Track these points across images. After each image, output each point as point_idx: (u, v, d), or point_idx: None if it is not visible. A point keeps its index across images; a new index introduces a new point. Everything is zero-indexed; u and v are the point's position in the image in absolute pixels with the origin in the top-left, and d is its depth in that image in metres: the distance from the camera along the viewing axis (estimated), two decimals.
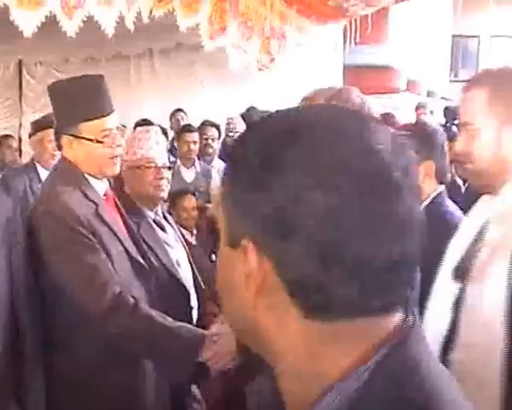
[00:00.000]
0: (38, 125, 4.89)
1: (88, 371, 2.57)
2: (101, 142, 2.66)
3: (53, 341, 2.57)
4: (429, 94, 10.09)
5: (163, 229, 3.36)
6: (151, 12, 3.75)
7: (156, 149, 3.31)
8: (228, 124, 6.88)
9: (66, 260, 2.52)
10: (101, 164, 2.69)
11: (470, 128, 1.78)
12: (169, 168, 3.43)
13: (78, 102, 2.65)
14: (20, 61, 9.52)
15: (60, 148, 2.76)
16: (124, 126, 5.41)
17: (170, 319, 2.57)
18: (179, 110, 7.93)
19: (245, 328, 0.97)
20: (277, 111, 0.96)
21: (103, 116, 2.69)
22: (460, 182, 5.59)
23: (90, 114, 2.66)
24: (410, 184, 0.86)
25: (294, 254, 0.83)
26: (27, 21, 3.13)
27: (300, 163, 0.84)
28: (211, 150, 6.49)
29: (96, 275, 2.50)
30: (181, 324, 2.58)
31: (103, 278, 2.52)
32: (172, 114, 7.90)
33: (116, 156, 2.74)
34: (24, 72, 9.61)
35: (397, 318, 0.89)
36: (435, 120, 8.93)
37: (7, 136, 7.36)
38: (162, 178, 3.31)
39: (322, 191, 0.81)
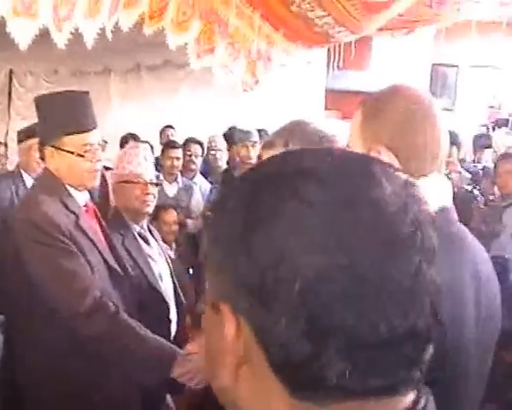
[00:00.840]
0: (25, 134, 4.87)
1: (52, 360, 2.58)
2: (82, 155, 2.70)
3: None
4: None
5: (147, 242, 3.38)
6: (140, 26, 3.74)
7: (144, 165, 3.35)
8: (209, 142, 6.90)
9: (46, 266, 2.53)
10: (82, 177, 2.73)
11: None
12: (156, 185, 3.45)
13: (63, 115, 2.70)
14: (10, 70, 9.49)
15: (43, 158, 2.79)
16: (105, 142, 5.40)
17: (147, 331, 2.58)
18: (169, 126, 7.93)
19: (226, 398, 0.83)
20: (268, 160, 0.86)
21: (86, 131, 2.73)
22: None
23: (74, 129, 2.70)
24: (421, 242, 0.75)
25: (278, 326, 0.71)
26: (23, 33, 3.11)
27: (288, 222, 0.71)
28: (194, 166, 6.49)
29: (76, 279, 2.52)
30: (157, 337, 2.59)
31: (84, 282, 2.54)
32: (162, 130, 7.90)
33: (96, 170, 2.78)
34: (14, 80, 9.57)
35: (405, 402, 0.76)
36: None
37: None
38: (148, 194, 3.34)
39: (310, 254, 0.69)
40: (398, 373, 0.73)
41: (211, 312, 0.81)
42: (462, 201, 5.67)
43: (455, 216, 1.65)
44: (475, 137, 8.78)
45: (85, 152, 2.70)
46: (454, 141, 7.08)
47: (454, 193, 5.03)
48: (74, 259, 2.55)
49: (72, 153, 2.68)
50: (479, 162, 8.07)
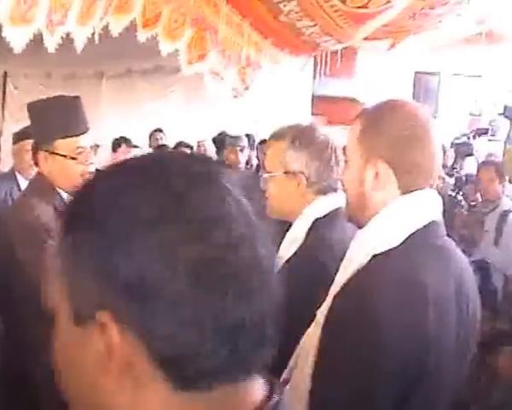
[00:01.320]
0: (19, 136, 4.85)
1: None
2: (74, 158, 2.71)
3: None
4: None
5: None
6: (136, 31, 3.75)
7: None
8: (198, 146, 6.91)
9: (39, 269, 2.50)
10: (74, 178, 2.72)
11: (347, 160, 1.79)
12: None
13: (55, 120, 2.71)
14: (5, 73, 9.43)
15: (36, 162, 2.80)
16: (97, 146, 5.40)
17: None
18: (158, 130, 7.86)
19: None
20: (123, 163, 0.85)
21: (78, 135, 2.74)
22: None
23: (66, 132, 2.72)
24: (257, 232, 0.78)
25: (162, 320, 0.73)
26: (18, 38, 3.12)
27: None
28: None
29: None
30: None
31: None
32: (152, 134, 7.82)
33: (88, 172, 2.77)
34: (9, 83, 9.51)
35: (257, 387, 0.81)
36: None
37: None
38: None
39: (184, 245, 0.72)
40: (251, 358, 0.78)
41: (73, 328, 0.78)
42: (446, 206, 5.73)
43: (443, 230, 1.69)
44: (457, 146, 8.84)
45: (78, 155, 2.72)
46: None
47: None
48: None
49: (65, 156, 2.69)
50: (461, 169, 8.12)
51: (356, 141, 1.70)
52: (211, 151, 6.79)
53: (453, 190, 6.70)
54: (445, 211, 5.02)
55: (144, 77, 8.53)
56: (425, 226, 1.62)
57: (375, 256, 1.60)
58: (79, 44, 3.40)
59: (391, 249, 1.59)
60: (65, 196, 2.74)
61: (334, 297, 1.62)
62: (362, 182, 1.68)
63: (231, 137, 6.33)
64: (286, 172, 2.28)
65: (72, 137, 2.72)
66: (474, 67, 13.17)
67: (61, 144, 2.70)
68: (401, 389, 1.49)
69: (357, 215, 1.73)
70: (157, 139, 7.67)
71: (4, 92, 9.56)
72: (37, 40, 3.41)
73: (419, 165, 1.63)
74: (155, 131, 7.86)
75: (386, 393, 1.49)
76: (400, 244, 1.59)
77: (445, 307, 1.54)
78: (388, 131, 1.64)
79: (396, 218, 1.63)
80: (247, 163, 6.67)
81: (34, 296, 2.45)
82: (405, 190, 1.64)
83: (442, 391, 1.57)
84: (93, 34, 3.67)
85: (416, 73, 13.65)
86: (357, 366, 1.49)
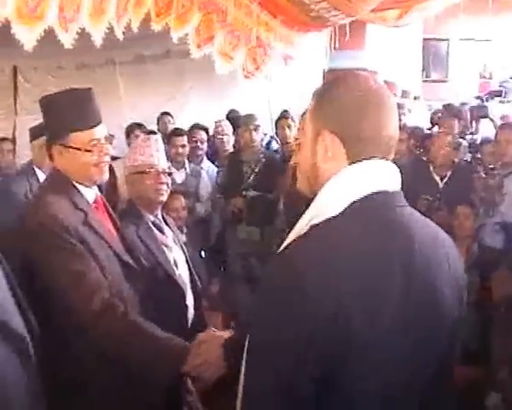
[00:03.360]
0: (39, 131, 4.81)
1: (83, 372, 2.55)
2: (89, 151, 2.68)
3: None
4: (404, 94, 10.15)
5: (162, 231, 3.37)
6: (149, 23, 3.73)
7: (156, 155, 3.35)
8: (216, 127, 6.88)
9: (54, 268, 2.50)
10: (90, 171, 2.72)
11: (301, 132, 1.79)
12: (169, 174, 3.44)
13: (68, 113, 2.68)
14: (14, 67, 9.43)
15: (51, 157, 2.77)
16: (112, 136, 5.38)
17: (157, 329, 2.56)
18: (166, 113, 7.85)
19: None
20: None
21: (92, 127, 2.71)
22: (437, 178, 5.60)
23: (80, 126, 2.69)
24: None
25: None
26: (28, 36, 3.09)
27: None
28: (200, 152, 6.50)
29: (84, 281, 2.50)
30: (167, 335, 2.56)
31: (91, 284, 2.51)
32: (159, 118, 7.81)
33: (104, 162, 2.76)
34: (19, 76, 9.51)
35: None
36: (414, 118, 8.97)
37: (3, 139, 7.21)
38: (162, 183, 3.35)
39: None
40: None
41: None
42: (462, 172, 5.68)
43: (396, 201, 1.63)
44: (472, 109, 8.76)
45: (92, 147, 2.69)
46: (456, 114, 7.07)
47: (454, 164, 5.00)
48: (82, 260, 2.53)
49: (80, 149, 2.67)
50: (476, 132, 8.06)
51: (309, 114, 1.71)
52: (228, 131, 6.75)
53: (470, 153, 6.65)
54: (462, 177, 4.99)
55: (156, 62, 8.49)
56: (369, 196, 1.57)
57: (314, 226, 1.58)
58: (98, 39, 3.38)
59: (329, 219, 1.56)
60: (82, 189, 2.72)
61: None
62: (314, 155, 1.67)
63: (244, 116, 6.30)
64: None
65: (85, 129, 2.69)
66: (482, 31, 13.08)
67: (75, 138, 2.67)
68: (322, 355, 1.44)
69: (311, 189, 1.71)
70: (165, 123, 7.66)
71: (16, 87, 9.57)
72: (46, 32, 3.39)
73: (365, 134, 1.60)
74: (163, 114, 7.84)
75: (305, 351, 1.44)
76: (340, 214, 1.56)
77: (377, 277, 1.49)
78: (336, 101, 1.63)
79: (337, 187, 1.61)
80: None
81: (52, 294, 2.46)
82: (353, 159, 1.62)
83: (379, 363, 1.49)
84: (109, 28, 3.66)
85: (425, 39, 13.55)
86: (279, 318, 1.47)
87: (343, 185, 1.60)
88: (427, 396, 1.64)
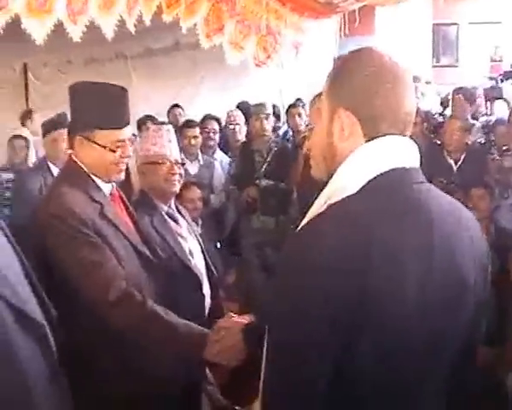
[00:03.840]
0: (52, 125, 4.83)
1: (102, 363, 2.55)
2: (113, 151, 2.64)
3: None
4: (414, 78, 10.14)
5: (176, 221, 3.36)
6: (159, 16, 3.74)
7: (168, 146, 3.33)
8: (228, 117, 6.86)
9: (70, 260, 2.48)
10: (109, 169, 2.68)
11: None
12: (182, 164, 3.43)
13: (99, 108, 2.63)
14: (24, 64, 9.44)
15: (71, 146, 2.72)
16: (134, 136, 5.37)
17: (175, 317, 2.54)
18: (176, 106, 7.81)
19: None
20: None
21: (119, 128, 2.67)
22: (451, 161, 5.57)
23: (108, 124, 2.64)
24: None
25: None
26: (38, 29, 3.10)
27: None
28: (212, 143, 6.47)
29: (100, 271, 2.48)
30: (186, 322, 2.54)
31: (108, 274, 2.50)
32: (170, 110, 7.77)
33: (123, 163, 2.72)
34: (29, 74, 9.53)
35: None
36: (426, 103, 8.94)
37: (17, 136, 7.24)
38: (175, 174, 3.32)
39: None
40: None
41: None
42: (476, 154, 5.66)
43: (414, 177, 1.60)
44: (486, 90, 8.72)
45: (117, 148, 2.64)
46: (468, 98, 7.02)
47: (468, 147, 4.98)
48: (98, 250, 2.51)
49: (105, 147, 2.62)
50: (491, 114, 8.02)
51: (325, 92, 1.68)
52: (240, 121, 6.73)
53: (484, 134, 6.61)
54: (476, 158, 4.97)
55: (166, 54, 8.48)
56: (386, 173, 1.55)
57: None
58: (108, 32, 3.38)
59: (346, 197, 1.53)
60: (98, 182, 2.70)
61: None
62: (330, 135, 1.65)
63: (255, 105, 6.28)
64: None
65: (114, 130, 2.64)
66: (491, 13, 13.01)
67: (101, 135, 2.62)
68: (342, 329, 1.42)
69: (328, 170, 1.68)
70: (176, 115, 7.63)
71: (26, 85, 9.59)
72: (54, 28, 3.39)
73: (383, 111, 1.58)
74: (173, 107, 7.81)
75: (321, 323, 1.42)
76: (357, 192, 1.54)
77: (395, 252, 1.46)
78: (350, 78, 1.60)
79: (354, 166, 1.58)
80: (274, 131, 6.61)
81: (68, 285, 2.45)
82: (369, 137, 1.59)
83: (398, 342, 1.46)
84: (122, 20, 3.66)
85: (435, 24, 13.48)
86: (296, 292, 1.46)
87: (360, 163, 1.58)
88: (451, 379, 1.62)
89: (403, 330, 1.46)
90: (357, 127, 1.59)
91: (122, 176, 2.78)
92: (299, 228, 1.58)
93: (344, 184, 1.58)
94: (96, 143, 2.63)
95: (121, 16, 3.65)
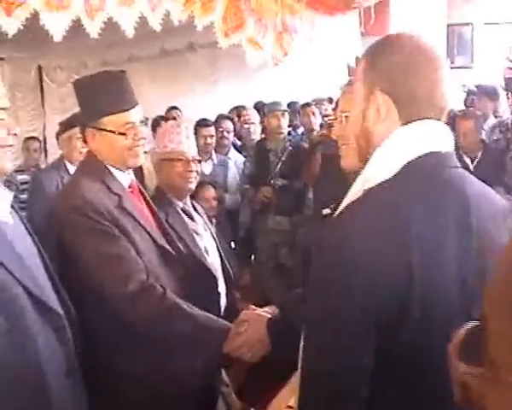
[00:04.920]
0: (66, 124, 4.86)
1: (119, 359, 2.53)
2: (123, 134, 2.63)
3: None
4: None
5: (192, 218, 3.34)
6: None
7: (186, 143, 3.32)
8: (243, 116, 6.86)
9: (88, 252, 2.47)
10: (124, 155, 2.66)
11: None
12: (198, 161, 3.42)
13: (102, 96, 2.62)
14: (39, 67, 9.50)
15: (85, 141, 2.73)
16: (146, 119, 5.37)
17: (196, 309, 2.53)
18: (174, 108, 7.85)
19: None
20: None
21: (126, 110, 2.65)
22: (468, 160, 5.54)
23: (113, 108, 2.63)
24: None
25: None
26: (56, 25, 3.11)
27: None
28: (226, 142, 6.47)
29: (120, 263, 2.47)
30: (207, 314, 2.54)
31: (128, 266, 2.48)
32: (167, 112, 7.78)
33: (138, 146, 2.70)
34: (44, 77, 9.58)
35: None
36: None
37: (31, 138, 7.30)
38: (191, 171, 3.31)
39: None
40: None
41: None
42: (493, 152, 5.62)
43: (449, 162, 1.60)
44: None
45: (127, 130, 2.63)
46: (492, 97, 6.96)
47: (484, 145, 4.95)
48: (117, 242, 2.50)
49: (114, 132, 2.61)
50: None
51: (361, 75, 1.67)
52: (255, 120, 6.73)
53: (501, 132, 6.56)
54: (492, 156, 4.91)
55: (181, 55, 8.50)
56: (421, 157, 1.54)
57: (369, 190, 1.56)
58: (128, 29, 3.37)
59: (383, 182, 1.53)
60: (116, 173, 2.69)
61: None
62: (365, 118, 1.64)
63: (270, 103, 6.28)
64: None
65: (120, 112, 2.64)
66: (507, 14, 12.93)
67: (110, 120, 2.62)
68: (381, 328, 1.41)
69: (363, 156, 1.67)
70: (174, 117, 7.60)
71: (42, 87, 9.64)
72: (69, 30, 3.40)
73: (418, 94, 1.58)
74: (171, 109, 7.83)
75: (360, 323, 1.41)
76: (394, 176, 1.53)
77: (433, 232, 1.46)
78: (388, 60, 1.60)
79: (390, 150, 1.58)
80: (290, 126, 6.61)
81: (86, 278, 2.43)
82: (406, 120, 1.59)
83: (437, 336, 1.41)
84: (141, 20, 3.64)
85: (449, 25, 13.42)
86: (331, 286, 1.44)
87: (396, 147, 1.57)
88: None
89: (442, 304, 1.46)
90: (393, 110, 1.59)
91: (141, 161, 2.76)
92: (337, 213, 1.57)
93: (380, 168, 1.57)
94: (104, 130, 2.63)
95: (142, 13, 3.63)
